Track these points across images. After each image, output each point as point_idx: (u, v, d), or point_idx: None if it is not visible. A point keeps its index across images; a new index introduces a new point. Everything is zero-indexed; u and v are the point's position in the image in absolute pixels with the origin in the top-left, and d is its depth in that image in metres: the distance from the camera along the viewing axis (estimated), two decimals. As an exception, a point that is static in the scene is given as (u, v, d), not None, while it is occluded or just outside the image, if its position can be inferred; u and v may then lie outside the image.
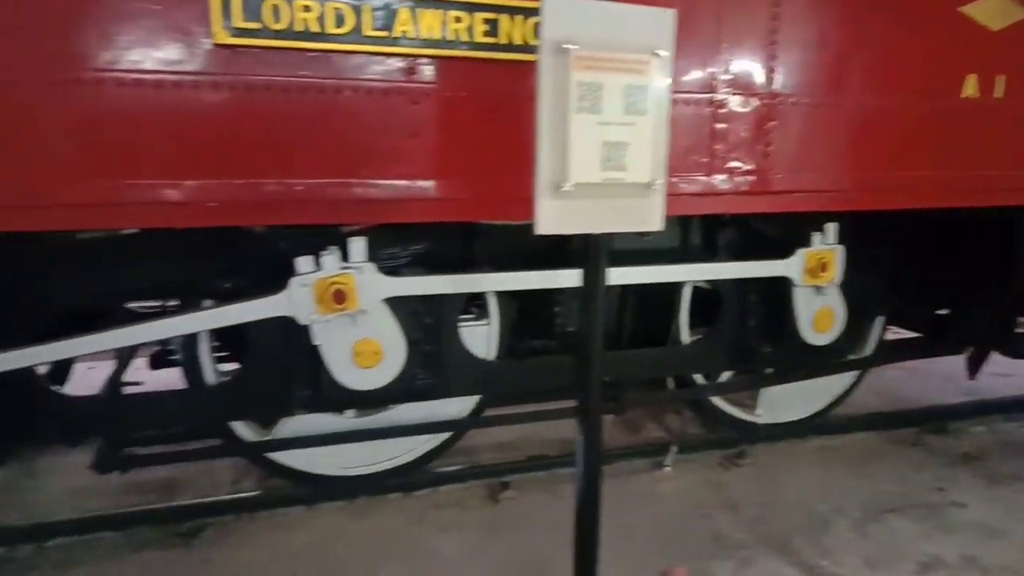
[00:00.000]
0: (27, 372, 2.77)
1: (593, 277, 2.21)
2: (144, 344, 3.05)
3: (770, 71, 3.06)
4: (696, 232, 3.79)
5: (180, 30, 2.31)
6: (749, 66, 3.02)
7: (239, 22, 2.34)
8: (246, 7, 2.34)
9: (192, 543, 3.15)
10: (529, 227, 3.24)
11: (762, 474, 3.89)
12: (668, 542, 3.21)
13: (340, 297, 2.85)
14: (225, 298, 3.01)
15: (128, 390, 3.10)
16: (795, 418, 4.25)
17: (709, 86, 2.97)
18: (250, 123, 2.44)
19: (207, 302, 3.05)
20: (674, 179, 2.93)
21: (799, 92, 3.11)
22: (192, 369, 3.14)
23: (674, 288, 3.78)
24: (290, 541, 3.19)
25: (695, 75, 2.94)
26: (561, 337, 3.71)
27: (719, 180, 3.05)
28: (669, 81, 2.11)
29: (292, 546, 3.15)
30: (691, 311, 3.89)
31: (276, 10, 2.37)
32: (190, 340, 3.10)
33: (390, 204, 2.63)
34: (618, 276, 3.37)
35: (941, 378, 5.38)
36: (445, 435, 3.61)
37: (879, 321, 4.33)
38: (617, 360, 3.71)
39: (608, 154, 2.07)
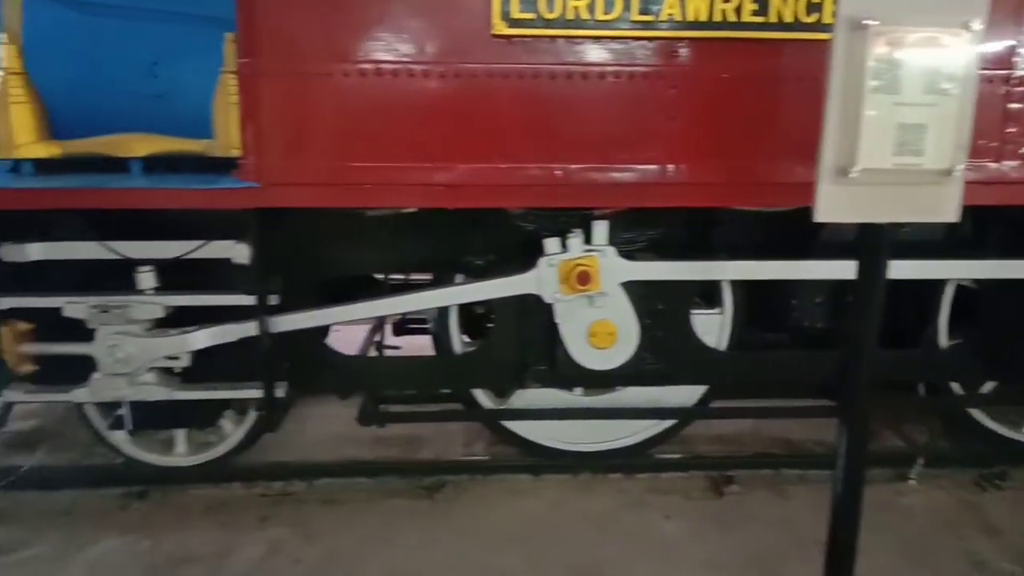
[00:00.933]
0: (313, 331, 3.18)
1: (871, 271, 2.08)
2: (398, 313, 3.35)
3: (1083, 40, 2.65)
4: (965, 224, 3.39)
5: (463, 25, 2.49)
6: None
7: (516, 13, 2.47)
8: (523, -2, 2.47)
9: (434, 497, 3.43)
10: (770, 214, 3.16)
11: (1028, 500, 3.44)
12: (918, 559, 2.95)
13: (584, 279, 2.94)
14: (474, 274, 3.23)
15: (388, 353, 3.43)
16: (1073, 441, 3.69)
17: (1005, 61, 2.65)
18: (516, 110, 2.58)
19: (458, 277, 3.28)
20: (955, 165, 2.66)
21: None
22: (443, 338, 3.40)
23: (933, 285, 3.43)
24: (520, 506, 3.36)
25: (988, 49, 2.63)
26: (796, 331, 3.53)
27: (1010, 167, 2.71)
28: (977, 55, 1.92)
29: (522, 511, 3.32)
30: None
31: (550, -1, 2.48)
32: (442, 312, 3.35)
33: (644, 188, 2.65)
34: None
35: None
36: (670, 422, 3.59)
37: None
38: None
39: (903, 137, 1.92)
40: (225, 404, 3.31)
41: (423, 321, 4.53)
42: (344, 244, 3.08)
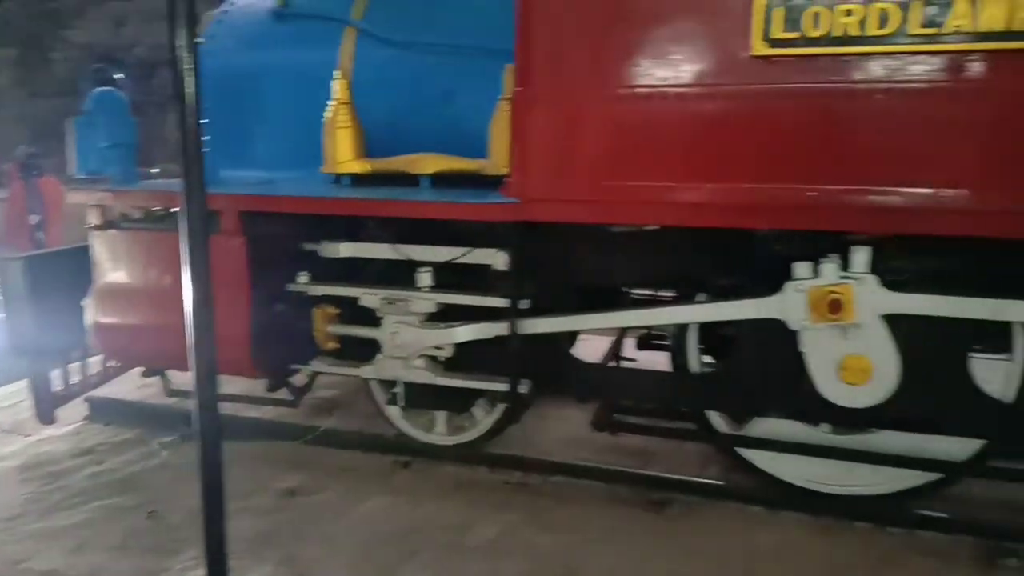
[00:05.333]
0: (558, 337, 3.42)
1: None
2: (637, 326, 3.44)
3: None
4: None
5: (721, 48, 2.54)
6: None
7: (778, 33, 2.46)
8: (788, 17, 2.44)
9: (662, 512, 3.46)
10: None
11: None
12: None
13: (835, 307, 2.78)
14: (718, 294, 3.21)
15: (625, 364, 3.55)
16: None
17: None
18: (770, 131, 2.55)
19: (700, 296, 3.29)
20: None
21: None
22: (679, 355, 3.43)
23: None
24: (751, 538, 3.24)
25: None
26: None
27: None
28: None
29: (752, 543, 3.20)
30: None
31: (816, 17, 2.41)
32: (681, 329, 3.39)
33: (911, 214, 2.45)
34: None
35: None
36: (934, 476, 3.21)
37: None
38: None
39: None
40: (479, 394, 3.69)
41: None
42: (594, 258, 3.26)
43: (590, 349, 4.29)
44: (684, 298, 3.35)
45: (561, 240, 3.20)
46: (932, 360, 2.94)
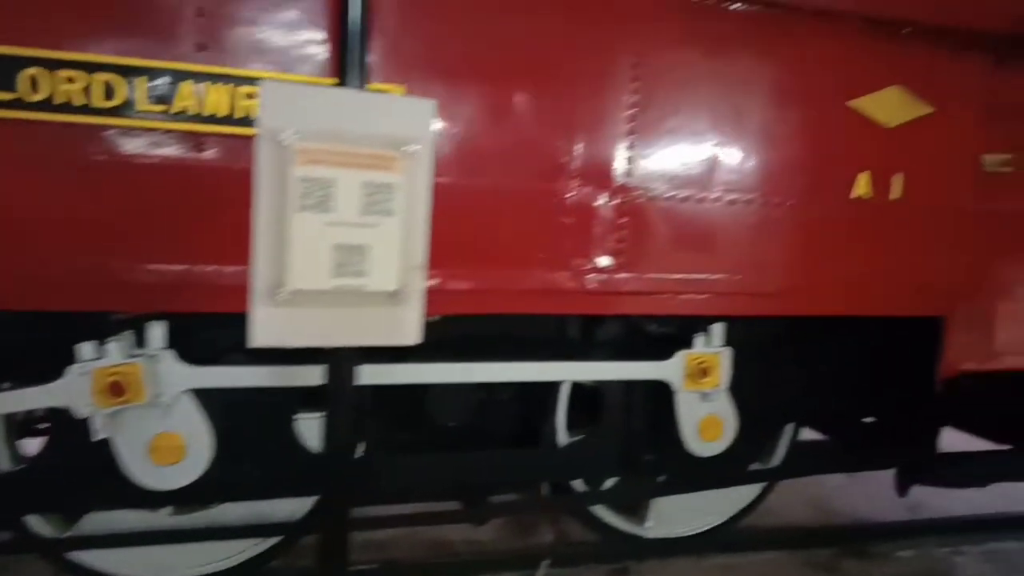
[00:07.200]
0: None
1: (338, 395, 1.93)
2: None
3: (626, 161, 2.83)
4: (575, 325, 3.49)
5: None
6: (599, 154, 2.79)
7: (-11, 91, 2.15)
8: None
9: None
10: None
11: (645, 596, 3.50)
12: None
13: (118, 389, 2.57)
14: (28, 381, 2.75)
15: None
16: (690, 532, 3.85)
17: (552, 174, 2.73)
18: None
19: (6, 384, 2.79)
20: (507, 273, 2.69)
21: (659, 185, 2.86)
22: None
23: (548, 384, 3.46)
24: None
25: (533, 162, 2.71)
26: (433, 433, 3.41)
27: (563, 278, 2.78)
28: (428, 178, 1.87)
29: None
30: (577, 410, 3.55)
31: (34, 81, 2.18)
32: None
33: (159, 290, 2.38)
34: (473, 373, 3.11)
35: (889, 487, 4.88)
36: (276, 538, 3.26)
37: (789, 428, 3.96)
38: (480, 461, 3.39)
39: (342, 258, 1.81)
40: None
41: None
42: None
43: None
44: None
45: None
46: (251, 427, 2.97)
